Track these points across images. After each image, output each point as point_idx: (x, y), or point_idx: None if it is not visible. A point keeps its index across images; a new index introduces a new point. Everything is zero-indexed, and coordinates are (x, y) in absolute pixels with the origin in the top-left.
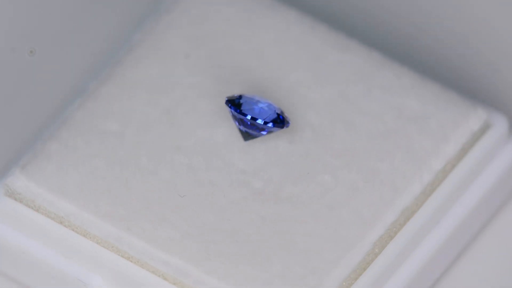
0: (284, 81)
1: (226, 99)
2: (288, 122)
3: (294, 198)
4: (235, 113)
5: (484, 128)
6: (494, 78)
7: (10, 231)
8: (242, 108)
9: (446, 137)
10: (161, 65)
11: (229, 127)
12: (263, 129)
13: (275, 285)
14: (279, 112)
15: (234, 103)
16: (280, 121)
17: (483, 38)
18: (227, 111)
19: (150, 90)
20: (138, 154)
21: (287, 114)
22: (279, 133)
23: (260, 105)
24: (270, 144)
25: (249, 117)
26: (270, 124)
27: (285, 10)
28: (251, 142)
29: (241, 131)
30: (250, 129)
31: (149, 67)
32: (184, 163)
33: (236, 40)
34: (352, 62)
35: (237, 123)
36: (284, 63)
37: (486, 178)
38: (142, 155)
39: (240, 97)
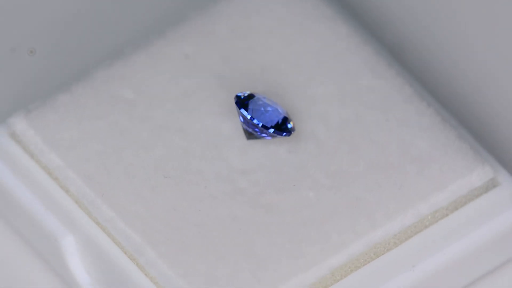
0: (306, 91)
1: (236, 95)
2: (290, 131)
3: (271, 206)
4: (240, 112)
5: (489, 187)
6: None
7: (3, 170)
8: (248, 108)
9: (443, 185)
10: (197, 48)
11: (237, 123)
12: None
13: (219, 285)
14: (284, 118)
15: (243, 101)
16: (282, 128)
17: None
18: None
19: (176, 70)
20: (141, 127)
21: (295, 123)
22: (283, 139)
23: (269, 108)
24: (270, 148)
25: (253, 119)
26: (271, 130)
27: (340, 23)
28: (252, 142)
29: (244, 129)
30: (253, 130)
31: (185, 48)
32: (181, 146)
33: (277, 39)
34: (381, 89)
35: (242, 121)
36: (313, 73)
37: (475, 239)
38: (145, 129)
39: (250, 96)
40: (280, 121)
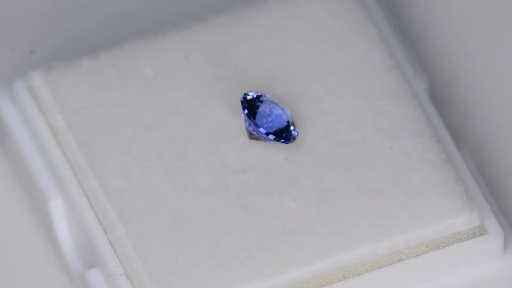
0: (321, 104)
1: (244, 94)
2: (288, 140)
3: (250, 208)
4: (244, 112)
5: (475, 234)
6: None
7: (14, 121)
8: (253, 110)
9: (426, 223)
10: (229, 40)
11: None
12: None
13: (177, 274)
14: (287, 123)
15: (249, 102)
16: (282, 135)
17: None
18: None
19: (203, 58)
20: (150, 107)
21: (301, 132)
22: (284, 145)
23: (273, 113)
24: (269, 151)
25: (254, 123)
26: (271, 136)
27: (378, 43)
28: (253, 142)
29: (246, 128)
30: (255, 131)
31: (219, 38)
32: (183, 132)
33: (310, 47)
34: (396, 116)
35: (245, 119)
36: (334, 88)
37: (449, 282)
38: (153, 109)
39: (258, 97)
40: (282, 127)
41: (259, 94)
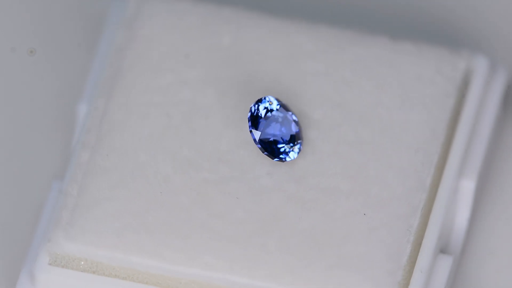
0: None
1: (255, 104)
2: (281, 160)
3: (213, 201)
4: (249, 119)
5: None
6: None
7: None
8: (260, 120)
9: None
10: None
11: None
12: None
13: (121, 248)
14: (290, 137)
15: (260, 106)
16: (275, 153)
17: None
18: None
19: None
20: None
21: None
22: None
23: (277, 131)
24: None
25: (255, 139)
26: (258, 145)
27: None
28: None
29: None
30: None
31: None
32: (194, 124)
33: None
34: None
35: (249, 118)
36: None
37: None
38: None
39: (272, 103)
40: (271, 140)
41: (278, 102)
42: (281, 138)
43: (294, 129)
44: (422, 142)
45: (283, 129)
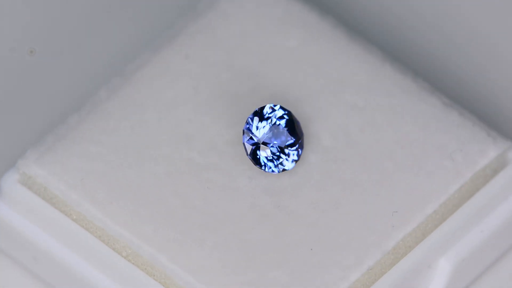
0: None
1: (255, 111)
2: (273, 171)
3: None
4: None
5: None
6: None
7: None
8: (258, 126)
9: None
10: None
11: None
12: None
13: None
14: (279, 149)
15: (259, 111)
16: (256, 161)
17: None
18: (259, 103)
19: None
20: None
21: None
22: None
23: (273, 142)
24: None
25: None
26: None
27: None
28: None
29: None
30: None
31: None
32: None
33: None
34: None
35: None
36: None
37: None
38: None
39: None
40: (253, 148)
41: (286, 111)
42: (272, 149)
43: (286, 142)
44: (406, 208)
45: (274, 139)
